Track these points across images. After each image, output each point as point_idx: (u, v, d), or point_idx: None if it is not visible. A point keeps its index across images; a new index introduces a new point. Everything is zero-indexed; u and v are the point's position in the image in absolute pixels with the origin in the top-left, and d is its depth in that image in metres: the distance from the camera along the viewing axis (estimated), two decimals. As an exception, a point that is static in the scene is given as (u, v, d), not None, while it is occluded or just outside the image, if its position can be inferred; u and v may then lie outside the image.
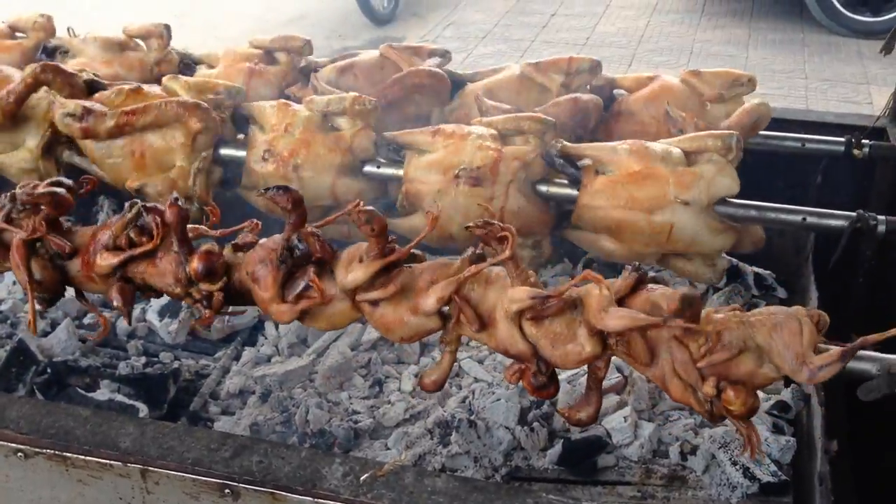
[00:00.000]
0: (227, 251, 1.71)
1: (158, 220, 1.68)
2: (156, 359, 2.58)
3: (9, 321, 2.70)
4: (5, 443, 1.54)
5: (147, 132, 2.29)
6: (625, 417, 2.14)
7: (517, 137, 2.23)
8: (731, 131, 2.16)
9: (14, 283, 2.84)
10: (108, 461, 1.48)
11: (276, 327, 2.66)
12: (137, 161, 2.31)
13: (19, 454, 1.54)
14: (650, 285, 1.52)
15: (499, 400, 2.21)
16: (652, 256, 2.23)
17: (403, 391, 2.40)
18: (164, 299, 2.62)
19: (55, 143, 2.43)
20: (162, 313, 2.69)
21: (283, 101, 2.44)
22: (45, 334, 2.61)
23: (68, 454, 1.51)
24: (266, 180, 2.32)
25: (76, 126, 2.27)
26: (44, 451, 1.51)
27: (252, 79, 2.68)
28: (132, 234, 1.69)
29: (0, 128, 2.39)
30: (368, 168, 2.35)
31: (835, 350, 1.39)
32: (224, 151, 2.41)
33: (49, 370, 2.44)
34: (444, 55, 2.76)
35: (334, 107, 2.34)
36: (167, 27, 2.83)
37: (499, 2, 9.53)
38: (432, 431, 2.20)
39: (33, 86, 2.35)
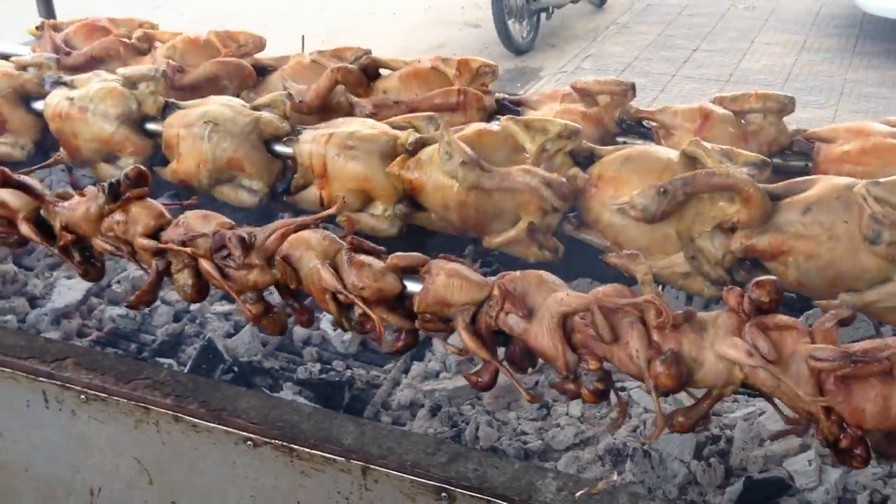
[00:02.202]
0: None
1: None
2: (329, 366, 2.70)
3: (197, 321, 2.88)
4: (237, 431, 1.65)
5: None
6: (809, 461, 2.10)
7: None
8: None
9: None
10: (332, 456, 1.57)
11: (444, 343, 2.74)
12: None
13: (248, 442, 1.65)
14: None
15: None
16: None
17: (572, 415, 2.42)
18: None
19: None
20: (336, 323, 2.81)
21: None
22: (230, 335, 2.78)
23: (295, 446, 1.60)
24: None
25: None
26: (272, 441, 1.62)
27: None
28: None
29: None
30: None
31: None
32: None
33: (235, 369, 2.60)
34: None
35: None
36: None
37: (639, 35, 9.49)
38: (603, 458, 2.21)
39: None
